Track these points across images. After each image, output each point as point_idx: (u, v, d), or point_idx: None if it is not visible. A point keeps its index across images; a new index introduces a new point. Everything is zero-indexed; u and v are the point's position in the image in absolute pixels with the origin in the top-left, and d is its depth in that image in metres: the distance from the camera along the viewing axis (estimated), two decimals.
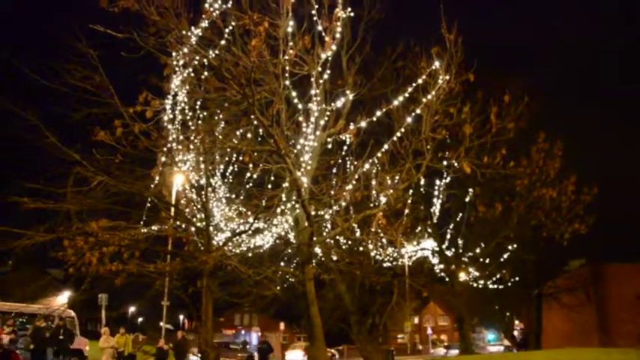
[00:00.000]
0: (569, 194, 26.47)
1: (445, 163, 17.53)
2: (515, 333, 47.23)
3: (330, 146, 18.34)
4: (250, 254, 19.70)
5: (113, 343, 23.77)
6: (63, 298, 35.04)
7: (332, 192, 16.60)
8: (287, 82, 15.04)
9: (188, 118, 16.76)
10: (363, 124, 16.21)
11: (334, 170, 18.41)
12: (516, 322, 48.56)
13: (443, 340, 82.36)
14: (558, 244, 28.72)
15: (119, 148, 15.45)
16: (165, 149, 16.51)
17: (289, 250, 21.73)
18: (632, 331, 31.58)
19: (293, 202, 17.81)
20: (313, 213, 17.04)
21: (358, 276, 25.39)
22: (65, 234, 15.26)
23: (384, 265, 27.42)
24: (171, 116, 16.18)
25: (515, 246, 31.60)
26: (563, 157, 26.79)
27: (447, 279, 33.46)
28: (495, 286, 34.83)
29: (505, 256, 32.10)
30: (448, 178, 28.52)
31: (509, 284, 34.66)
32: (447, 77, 14.75)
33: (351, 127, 16.47)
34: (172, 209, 18.71)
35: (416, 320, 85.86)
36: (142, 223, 17.09)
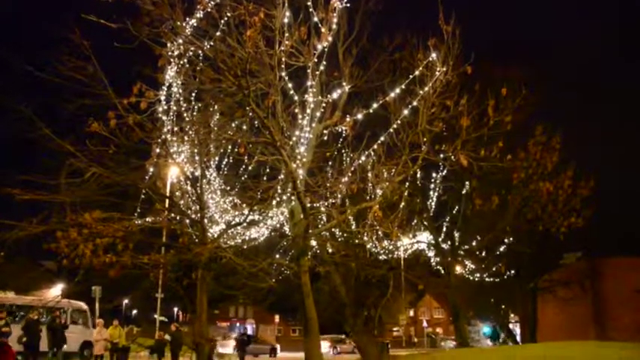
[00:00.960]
0: (566, 188, 26.42)
1: (442, 155, 17.44)
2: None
3: (325, 138, 18.25)
4: (245, 246, 19.61)
5: (106, 335, 23.76)
6: (56, 290, 35.06)
7: (328, 184, 16.52)
8: (283, 74, 14.92)
9: (183, 109, 16.64)
10: (360, 116, 16.13)
11: (330, 162, 18.34)
12: (512, 315, 48.70)
13: (438, 332, 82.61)
14: (555, 238, 28.70)
15: (113, 140, 15.33)
16: (159, 141, 16.37)
17: (285, 243, 21.66)
18: (627, 324, 31.68)
19: (288, 194, 17.73)
20: (309, 205, 16.97)
21: (354, 268, 25.30)
22: (58, 225, 15.14)
23: (380, 257, 27.37)
24: (165, 107, 16.05)
25: (511, 239, 31.62)
26: (561, 151, 26.74)
27: (442, 272, 33.47)
28: (491, 280, 34.87)
29: (501, 249, 32.13)
30: (445, 171, 28.48)
31: (505, 277, 34.71)
32: (444, 69, 14.63)
33: (347, 119, 16.37)
34: (167, 201, 18.60)
35: (411, 313, 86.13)
36: (136, 214, 16.98)
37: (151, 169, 16.82)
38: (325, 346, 47.86)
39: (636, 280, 34.44)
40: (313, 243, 20.81)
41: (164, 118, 16.09)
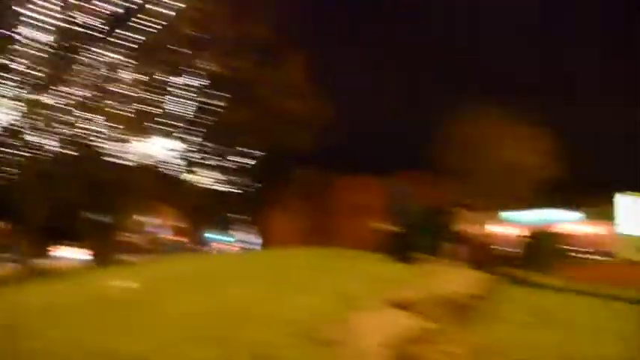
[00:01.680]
0: (309, 106, 27.53)
1: (197, 62, 16.89)
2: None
3: (75, 28, 16.32)
4: None
5: None
6: None
7: (68, 78, 15.02)
8: None
9: None
10: (108, 7, 14.73)
11: (75, 55, 16.56)
12: (248, 225, 50.84)
13: (174, 239, 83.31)
14: (293, 153, 30.09)
15: None
16: None
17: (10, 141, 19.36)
18: (347, 234, 34.98)
19: (17, 86, 15.71)
20: (44, 100, 15.29)
21: (87, 171, 23.62)
22: None
23: (119, 161, 26.03)
24: None
25: (253, 152, 32.37)
26: (308, 71, 27.57)
27: (184, 180, 33.26)
28: (231, 190, 35.62)
29: (244, 161, 32.78)
30: (198, 79, 27.70)
31: (245, 188, 35.72)
32: None
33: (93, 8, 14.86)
34: None
35: (149, 220, 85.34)
36: None
37: None
38: (85, 253, 45.20)
39: (359, 197, 38.01)
40: (38, 140, 18.82)
41: None
